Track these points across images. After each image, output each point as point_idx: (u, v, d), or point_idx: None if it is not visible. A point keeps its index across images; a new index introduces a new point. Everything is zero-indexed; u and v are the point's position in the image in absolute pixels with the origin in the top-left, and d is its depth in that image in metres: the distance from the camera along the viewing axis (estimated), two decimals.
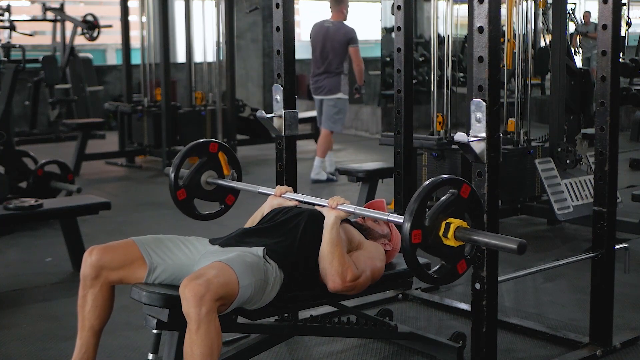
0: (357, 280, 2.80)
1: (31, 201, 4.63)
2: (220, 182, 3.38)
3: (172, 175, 3.31)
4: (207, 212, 3.46)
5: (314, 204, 2.97)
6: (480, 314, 2.82)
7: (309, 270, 2.83)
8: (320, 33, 7.60)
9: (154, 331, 2.66)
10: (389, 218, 2.70)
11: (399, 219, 2.54)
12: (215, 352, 2.47)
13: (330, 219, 2.82)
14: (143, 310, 2.68)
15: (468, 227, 2.48)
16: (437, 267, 2.53)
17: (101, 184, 7.72)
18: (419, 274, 2.50)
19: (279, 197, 3.12)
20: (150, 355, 2.69)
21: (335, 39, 7.48)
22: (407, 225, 2.38)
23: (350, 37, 7.43)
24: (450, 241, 2.46)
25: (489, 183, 2.73)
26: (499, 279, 2.90)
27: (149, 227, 5.74)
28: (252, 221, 3.14)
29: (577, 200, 5.24)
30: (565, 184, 5.25)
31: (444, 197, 2.50)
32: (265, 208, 3.14)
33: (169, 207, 6.54)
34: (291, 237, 2.85)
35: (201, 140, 3.43)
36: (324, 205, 2.89)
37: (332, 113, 7.55)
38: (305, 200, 3.06)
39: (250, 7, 8.89)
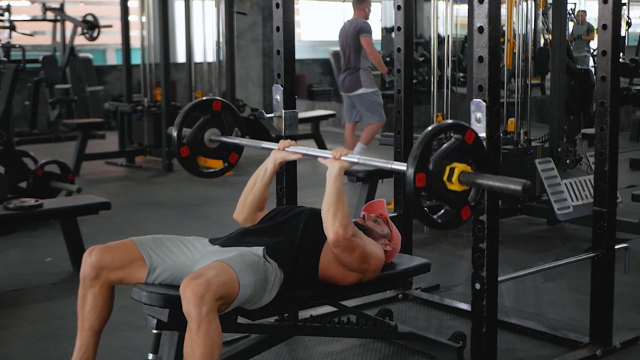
0: (355, 239, 2.76)
1: (31, 201, 4.63)
2: (224, 139, 3.34)
3: (175, 132, 3.26)
4: (210, 170, 3.43)
5: (317, 156, 2.95)
6: (480, 314, 2.82)
7: (309, 270, 2.83)
8: (342, 32, 7.66)
9: (154, 331, 2.66)
10: (392, 166, 2.68)
11: (403, 165, 2.51)
12: (215, 351, 2.47)
13: (334, 169, 2.80)
14: (143, 310, 2.68)
15: (472, 171, 2.47)
16: (441, 212, 2.51)
17: (101, 184, 7.72)
18: (423, 219, 2.47)
19: (282, 151, 3.09)
20: (150, 355, 2.69)
21: (349, 35, 7.50)
22: (411, 170, 2.36)
23: (359, 28, 7.42)
24: (455, 185, 2.44)
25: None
26: (499, 279, 2.89)
27: (149, 227, 5.74)
28: (255, 179, 3.12)
29: (577, 200, 5.24)
30: (565, 184, 5.25)
31: (448, 142, 2.48)
32: (268, 163, 3.12)
33: (169, 207, 6.57)
34: (291, 237, 2.85)
35: (204, 98, 3.40)
36: (327, 157, 2.87)
37: (364, 109, 7.61)
38: (308, 152, 3.03)
39: (239, 9, 8.89)
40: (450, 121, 2.52)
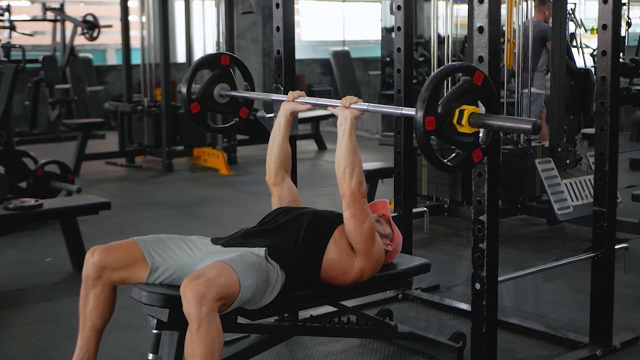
0: (365, 205, 2.75)
1: (31, 201, 4.63)
2: (234, 93, 3.34)
3: (185, 88, 3.25)
4: (221, 126, 3.42)
5: (327, 105, 2.94)
6: (480, 314, 2.83)
7: (311, 272, 2.83)
8: (535, 30, 7.74)
9: (154, 331, 2.66)
10: (402, 112, 2.66)
11: (412, 110, 2.49)
12: (216, 351, 2.47)
13: (346, 120, 2.78)
14: (143, 310, 2.68)
15: (481, 113, 2.45)
16: (453, 155, 2.49)
17: (101, 184, 7.72)
18: (433, 162, 2.45)
19: (292, 102, 3.08)
20: (150, 355, 2.69)
21: (532, 36, 7.67)
22: (420, 113, 2.34)
23: (545, 35, 7.60)
24: (465, 128, 2.42)
25: (489, 183, 2.73)
26: (499, 279, 2.90)
27: (149, 227, 5.74)
28: (272, 136, 3.13)
29: (577, 200, 5.24)
30: (565, 184, 5.25)
31: (456, 85, 2.45)
32: (280, 116, 3.12)
33: (169, 207, 6.57)
34: (293, 239, 2.84)
35: (212, 53, 3.40)
36: (337, 106, 2.85)
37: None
38: (318, 102, 3.02)
39: (244, 9, 8.88)
40: (458, 63, 2.49)
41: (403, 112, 2.67)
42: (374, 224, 2.82)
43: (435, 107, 2.37)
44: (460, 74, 2.47)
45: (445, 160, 2.48)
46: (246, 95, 3.34)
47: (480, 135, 2.49)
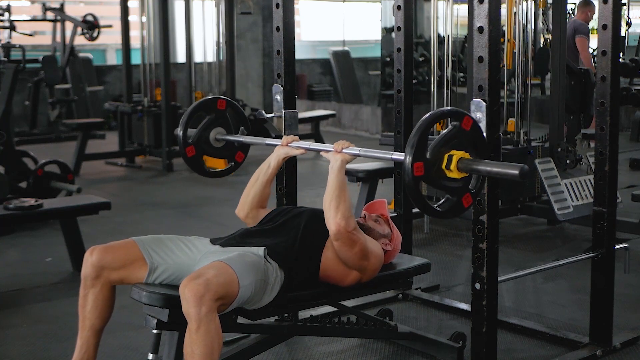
0: (357, 235, 2.77)
1: (31, 201, 4.63)
2: (229, 137, 3.35)
3: (181, 132, 3.25)
4: (217, 169, 3.43)
5: (319, 150, 2.97)
6: (480, 314, 2.83)
7: (310, 271, 2.83)
8: (572, 30, 7.97)
9: (154, 331, 2.66)
10: (392, 156, 2.68)
11: (400, 155, 2.50)
12: (215, 351, 2.47)
13: (336, 162, 2.82)
14: (143, 310, 2.68)
15: (471, 158, 2.46)
16: (442, 200, 2.50)
17: (101, 184, 7.72)
18: (422, 207, 2.46)
19: (285, 147, 3.11)
20: (150, 355, 2.69)
21: (567, 35, 7.81)
22: (409, 159, 2.35)
23: (576, 29, 7.69)
24: (454, 173, 2.43)
25: (489, 184, 2.72)
26: (499, 279, 2.90)
27: (149, 227, 5.74)
28: (258, 174, 3.13)
29: (577, 200, 5.24)
30: (565, 184, 5.25)
31: (445, 130, 2.47)
32: (272, 159, 3.13)
33: (169, 207, 6.57)
34: (292, 238, 2.85)
35: (208, 97, 3.40)
36: (329, 150, 2.88)
37: None
38: (311, 147, 3.05)
39: (243, 9, 8.89)
40: (447, 108, 2.51)
41: (393, 157, 2.69)
42: (365, 246, 2.82)
43: (424, 153, 2.39)
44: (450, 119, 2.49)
45: (435, 206, 2.49)
46: (241, 139, 3.35)
47: (471, 180, 2.51)
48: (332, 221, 2.73)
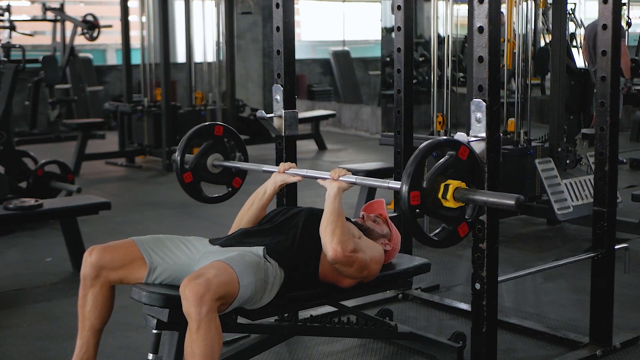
0: (357, 254, 2.78)
1: (31, 201, 4.63)
2: (226, 163, 3.36)
3: (178, 158, 3.28)
4: (214, 195, 3.45)
5: (316, 177, 2.97)
6: (480, 314, 2.82)
7: (309, 270, 2.83)
8: (593, 32, 7.91)
9: (154, 331, 2.66)
10: (389, 185, 2.68)
11: (397, 183, 2.52)
12: (215, 351, 2.47)
13: (332, 190, 2.83)
14: (143, 310, 2.68)
15: (467, 187, 2.47)
16: (438, 230, 2.51)
17: (101, 184, 7.72)
18: (419, 237, 2.47)
19: (282, 174, 3.12)
20: (150, 355, 2.69)
21: (591, 36, 7.91)
22: (405, 187, 2.37)
23: None
24: (450, 202, 2.44)
25: (489, 183, 2.72)
26: (499, 279, 2.90)
27: (149, 227, 5.74)
28: (254, 198, 3.13)
29: (577, 200, 5.24)
30: (565, 184, 5.24)
31: (442, 159, 2.48)
32: (268, 185, 3.14)
33: (169, 207, 6.57)
34: (291, 237, 2.85)
35: (206, 124, 3.42)
36: (326, 178, 2.90)
37: None
38: (308, 174, 3.06)
39: (243, 9, 8.89)
40: (443, 137, 2.53)
41: (390, 185, 2.69)
42: (364, 261, 2.83)
43: (420, 182, 2.41)
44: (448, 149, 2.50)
45: (431, 235, 2.51)
46: (239, 166, 3.37)
47: (467, 209, 2.52)
48: (329, 247, 2.75)
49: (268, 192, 3.14)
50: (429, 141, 2.49)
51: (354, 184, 2.85)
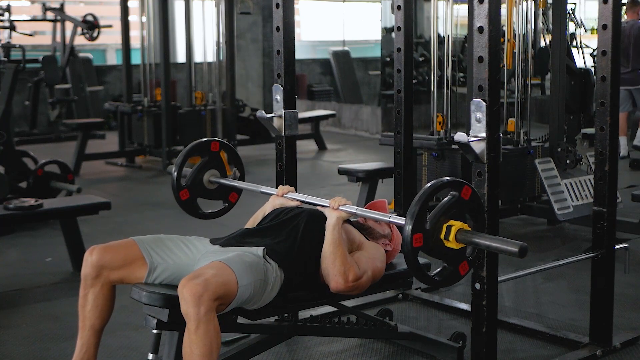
0: (359, 280, 2.81)
1: (31, 201, 4.63)
2: (223, 181, 3.38)
3: (175, 175, 3.29)
4: (210, 211, 3.45)
5: (315, 204, 2.98)
6: (480, 314, 2.83)
7: (309, 270, 2.83)
8: (626, 31, 8.21)
9: (154, 331, 2.66)
10: (390, 219, 2.70)
11: (401, 221, 2.54)
12: (214, 351, 2.47)
13: (332, 219, 2.83)
14: (143, 310, 2.68)
15: (469, 229, 2.48)
16: (439, 269, 2.54)
17: (101, 184, 7.72)
18: (420, 277, 2.51)
19: (281, 197, 3.12)
20: (150, 355, 2.69)
21: (632, 35, 8.24)
22: (409, 229, 2.39)
23: None
24: (452, 244, 2.46)
25: (489, 183, 2.73)
26: (499, 279, 2.90)
27: (149, 227, 5.74)
28: (254, 221, 3.14)
29: (577, 200, 5.24)
30: (565, 184, 5.25)
31: (445, 200, 2.50)
32: (267, 208, 3.14)
33: (169, 207, 6.56)
34: (291, 238, 2.85)
35: (203, 140, 3.42)
36: (325, 206, 2.89)
37: None
38: (307, 200, 3.06)
39: (242, 10, 8.88)
40: (447, 178, 2.53)
41: (391, 220, 2.70)
42: (367, 279, 2.85)
43: (423, 223, 2.42)
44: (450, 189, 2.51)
45: (432, 274, 2.53)
46: (236, 184, 3.38)
47: (467, 248, 2.54)
48: (331, 278, 2.78)
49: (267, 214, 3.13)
50: (433, 182, 2.50)
51: (353, 214, 2.85)
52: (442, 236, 2.46)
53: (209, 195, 3.41)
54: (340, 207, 2.85)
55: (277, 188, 3.19)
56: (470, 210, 2.53)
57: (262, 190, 3.25)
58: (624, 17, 8.45)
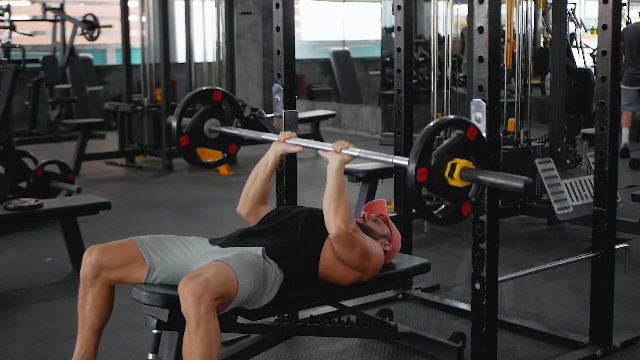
0: (359, 235, 2.77)
1: (31, 201, 4.62)
2: (224, 129, 3.33)
3: (175, 122, 3.24)
4: (210, 161, 3.43)
5: (317, 149, 2.94)
6: (480, 314, 2.82)
7: (309, 270, 2.83)
8: (637, 32, 8.28)
9: (154, 331, 2.66)
10: (394, 161, 2.67)
11: (404, 160, 2.51)
12: (214, 351, 2.47)
13: (335, 163, 2.80)
14: (143, 310, 2.68)
15: (474, 167, 2.47)
16: (442, 207, 2.51)
17: (101, 184, 7.72)
18: (424, 214, 2.47)
19: (282, 143, 3.09)
20: (150, 355, 2.69)
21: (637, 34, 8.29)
22: (413, 164, 2.37)
23: None
24: (456, 181, 2.44)
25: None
26: (499, 279, 2.89)
27: (149, 227, 5.74)
28: (256, 172, 3.11)
29: (577, 200, 5.24)
30: (565, 184, 5.25)
31: (450, 138, 2.48)
32: (269, 155, 3.11)
33: (169, 207, 6.57)
34: (291, 237, 2.85)
35: (204, 88, 3.38)
36: (327, 150, 2.86)
37: None
38: (309, 145, 3.02)
39: (243, 9, 8.88)
40: (452, 116, 2.52)
41: (394, 161, 2.68)
42: (366, 247, 2.82)
43: (428, 159, 2.40)
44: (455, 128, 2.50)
45: (435, 212, 2.51)
46: (237, 132, 3.34)
47: (471, 189, 2.52)
48: (332, 224, 2.73)
49: (270, 162, 3.11)
50: (438, 120, 2.49)
51: (356, 156, 2.80)
52: (446, 174, 2.44)
53: (209, 144, 3.35)
54: (342, 150, 2.81)
55: (278, 138, 3.12)
56: (475, 150, 2.50)
57: (263, 137, 3.20)
58: (636, 18, 8.55)
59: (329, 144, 2.88)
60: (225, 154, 3.42)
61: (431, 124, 2.46)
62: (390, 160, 2.69)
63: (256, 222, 3.11)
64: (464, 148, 2.48)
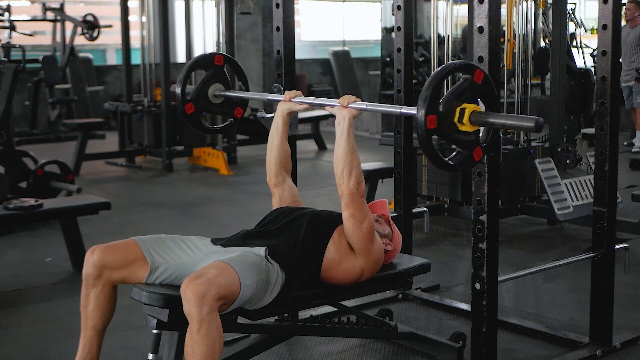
0: (363, 204, 2.76)
1: (31, 201, 4.62)
2: (229, 93, 3.32)
3: (179, 89, 3.23)
4: (216, 126, 3.41)
5: (324, 105, 2.93)
6: (480, 314, 2.83)
7: (311, 272, 2.83)
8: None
9: (154, 331, 2.66)
10: (402, 110, 2.65)
11: (412, 109, 2.49)
12: (216, 351, 2.47)
13: (344, 119, 2.77)
14: (143, 310, 2.68)
15: (483, 111, 2.45)
16: (453, 154, 2.50)
17: (101, 184, 7.72)
18: (435, 161, 2.45)
19: (288, 102, 3.08)
20: (150, 355, 2.69)
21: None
22: (422, 112, 2.34)
23: None
24: (466, 126, 2.42)
25: (489, 183, 2.73)
26: (499, 279, 2.90)
27: (149, 227, 5.74)
28: (271, 137, 3.12)
29: (577, 200, 5.24)
30: (565, 184, 5.25)
31: (457, 83, 2.46)
32: (277, 117, 3.11)
33: (169, 207, 6.57)
34: (293, 239, 2.84)
35: (206, 53, 3.38)
36: (335, 105, 2.85)
37: None
38: (315, 102, 3.01)
39: (243, 9, 8.89)
40: (458, 62, 2.49)
41: (403, 111, 2.66)
42: (373, 224, 2.82)
43: (436, 106, 2.38)
44: (461, 73, 2.47)
45: (447, 159, 2.48)
46: (241, 95, 3.33)
47: (481, 134, 2.50)
48: (345, 186, 2.72)
49: (279, 124, 3.12)
50: (444, 65, 2.46)
51: (364, 110, 2.77)
52: (455, 119, 2.41)
53: (214, 109, 3.35)
54: (350, 105, 2.79)
55: (283, 97, 3.11)
56: (483, 94, 2.48)
57: (268, 97, 3.19)
58: None
59: (336, 100, 2.85)
60: (232, 119, 3.42)
61: (437, 69, 2.44)
62: (398, 110, 2.67)
63: (282, 195, 3.11)
64: (471, 92, 2.44)
